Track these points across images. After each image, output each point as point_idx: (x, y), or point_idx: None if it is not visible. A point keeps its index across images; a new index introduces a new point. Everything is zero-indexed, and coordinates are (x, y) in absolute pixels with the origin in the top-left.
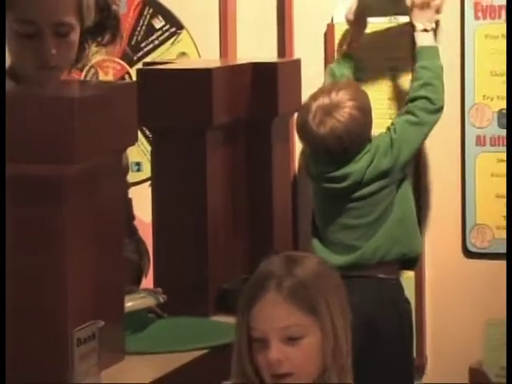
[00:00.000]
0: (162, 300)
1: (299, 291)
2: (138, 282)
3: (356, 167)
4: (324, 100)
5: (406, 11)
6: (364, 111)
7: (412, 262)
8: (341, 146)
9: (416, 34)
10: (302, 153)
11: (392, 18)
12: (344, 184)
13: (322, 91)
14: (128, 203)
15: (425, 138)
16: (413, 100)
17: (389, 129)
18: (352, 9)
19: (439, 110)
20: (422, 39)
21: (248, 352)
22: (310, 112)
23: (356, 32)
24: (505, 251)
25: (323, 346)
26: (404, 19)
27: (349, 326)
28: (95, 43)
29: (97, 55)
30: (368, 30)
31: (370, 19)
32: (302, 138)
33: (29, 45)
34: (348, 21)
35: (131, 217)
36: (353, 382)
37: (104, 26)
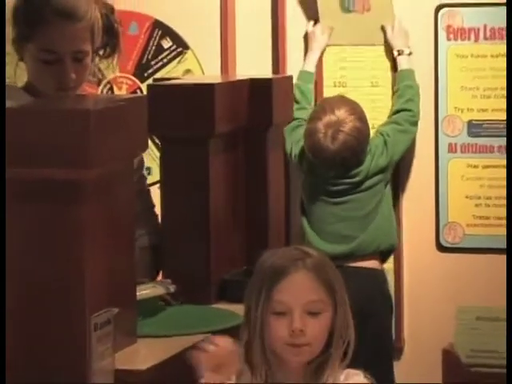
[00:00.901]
0: (171, 290)
1: (321, 270)
2: (158, 266)
3: (363, 167)
4: (329, 118)
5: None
6: (364, 121)
7: (390, 253)
8: (354, 154)
9: (399, 58)
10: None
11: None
12: (354, 180)
13: (323, 111)
14: (147, 193)
15: (410, 143)
16: (398, 112)
17: (381, 133)
18: (315, 29)
19: (417, 122)
20: (404, 63)
21: (260, 331)
22: (320, 132)
23: (314, 51)
24: (474, 246)
25: (336, 322)
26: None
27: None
28: (98, 57)
29: (110, 72)
30: (353, 54)
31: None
32: (317, 155)
33: (50, 70)
34: (309, 37)
35: (151, 205)
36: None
37: (107, 43)
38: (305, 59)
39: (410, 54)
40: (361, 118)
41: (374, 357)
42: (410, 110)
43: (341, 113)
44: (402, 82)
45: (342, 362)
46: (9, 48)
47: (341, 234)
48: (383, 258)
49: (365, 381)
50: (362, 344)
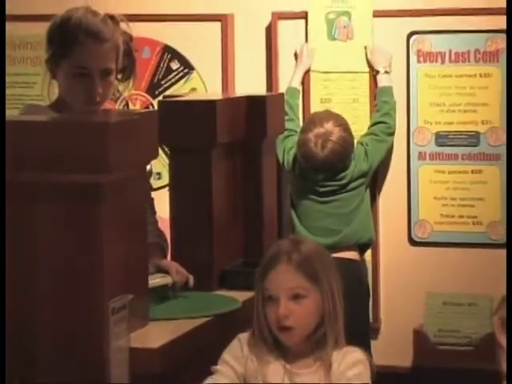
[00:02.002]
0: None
1: (304, 263)
2: (163, 258)
3: (348, 171)
4: (319, 130)
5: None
6: (349, 131)
7: (368, 246)
8: (341, 160)
9: (379, 76)
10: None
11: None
12: (340, 182)
13: (313, 124)
14: (151, 201)
15: (387, 151)
16: (376, 124)
17: (361, 143)
18: (302, 51)
19: (393, 132)
20: (383, 81)
21: (262, 309)
22: (311, 142)
23: (300, 70)
24: (441, 241)
25: (323, 307)
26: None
27: (341, 295)
28: (116, 80)
29: (126, 91)
30: (334, 74)
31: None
32: (308, 162)
33: (81, 84)
34: (296, 58)
35: (154, 211)
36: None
37: (125, 67)
38: (292, 76)
39: (387, 72)
40: (346, 128)
41: (353, 336)
42: (386, 123)
43: (328, 125)
44: (380, 98)
45: (341, 339)
46: (38, 69)
47: (327, 228)
48: (362, 250)
49: (362, 356)
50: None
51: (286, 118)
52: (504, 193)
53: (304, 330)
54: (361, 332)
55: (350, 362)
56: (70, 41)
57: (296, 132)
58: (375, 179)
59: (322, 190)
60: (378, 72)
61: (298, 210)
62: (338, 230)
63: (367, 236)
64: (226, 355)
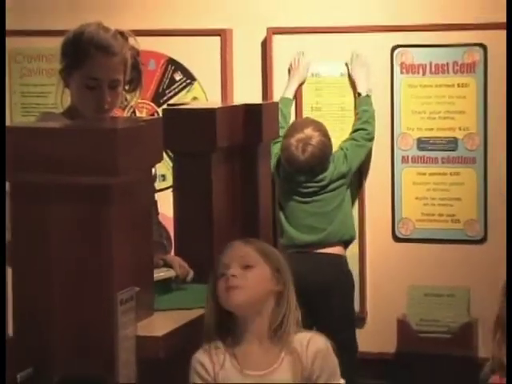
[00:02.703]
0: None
1: (254, 242)
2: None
3: (327, 173)
4: (299, 136)
5: None
6: (327, 136)
7: (350, 242)
8: (320, 162)
9: (358, 87)
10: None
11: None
12: (320, 184)
13: (295, 130)
14: (155, 203)
15: (366, 155)
16: (356, 131)
17: (341, 148)
18: (298, 63)
19: (372, 138)
20: (363, 91)
21: (214, 296)
22: (293, 146)
23: (295, 82)
24: (422, 237)
25: (284, 296)
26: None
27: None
28: (124, 90)
29: (133, 100)
30: (326, 84)
31: (323, 73)
32: (291, 164)
33: (91, 94)
34: (293, 69)
35: (157, 212)
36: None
37: (132, 79)
38: (286, 87)
39: (368, 95)
40: (324, 134)
41: (339, 325)
42: (366, 130)
43: (308, 130)
44: (360, 107)
45: (299, 325)
46: (53, 80)
47: (312, 226)
48: (345, 246)
49: (327, 344)
50: (331, 315)
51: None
52: (480, 193)
53: (251, 296)
54: (345, 321)
55: (313, 349)
56: (83, 54)
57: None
58: (362, 181)
59: (304, 190)
60: (359, 94)
61: (284, 210)
62: (322, 228)
63: (349, 233)
64: (197, 380)
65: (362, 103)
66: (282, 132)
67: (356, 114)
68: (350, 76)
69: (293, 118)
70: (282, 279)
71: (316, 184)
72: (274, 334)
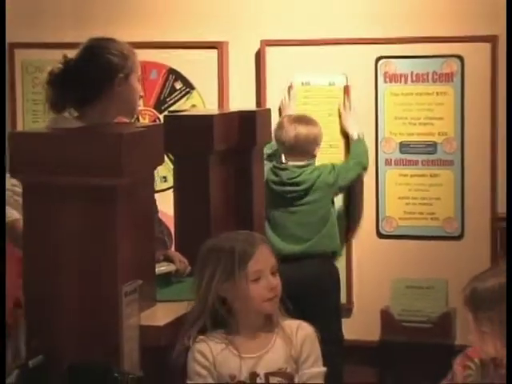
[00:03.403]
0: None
1: (266, 240)
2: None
3: (308, 177)
4: (291, 118)
5: None
6: (317, 125)
7: (333, 257)
8: (307, 142)
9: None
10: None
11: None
12: (303, 187)
13: (288, 117)
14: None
15: (354, 178)
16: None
17: (332, 164)
18: (286, 100)
19: (365, 168)
20: (354, 134)
21: (242, 295)
22: (284, 124)
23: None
24: (405, 234)
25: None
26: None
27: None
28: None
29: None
30: (314, 92)
31: (313, 83)
32: (281, 141)
33: None
34: (283, 106)
35: (156, 210)
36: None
37: None
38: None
39: (359, 137)
40: (315, 123)
41: (328, 316)
42: (359, 161)
43: (300, 117)
44: (354, 151)
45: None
46: None
47: (297, 236)
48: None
49: (314, 330)
50: (321, 309)
51: (268, 146)
52: (457, 193)
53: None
54: (332, 313)
55: (303, 333)
56: None
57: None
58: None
59: (288, 195)
60: (352, 138)
61: (270, 221)
62: (306, 239)
63: (332, 246)
64: (197, 368)
65: (355, 147)
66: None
67: (350, 156)
68: (340, 117)
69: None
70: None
71: (298, 188)
72: (266, 322)
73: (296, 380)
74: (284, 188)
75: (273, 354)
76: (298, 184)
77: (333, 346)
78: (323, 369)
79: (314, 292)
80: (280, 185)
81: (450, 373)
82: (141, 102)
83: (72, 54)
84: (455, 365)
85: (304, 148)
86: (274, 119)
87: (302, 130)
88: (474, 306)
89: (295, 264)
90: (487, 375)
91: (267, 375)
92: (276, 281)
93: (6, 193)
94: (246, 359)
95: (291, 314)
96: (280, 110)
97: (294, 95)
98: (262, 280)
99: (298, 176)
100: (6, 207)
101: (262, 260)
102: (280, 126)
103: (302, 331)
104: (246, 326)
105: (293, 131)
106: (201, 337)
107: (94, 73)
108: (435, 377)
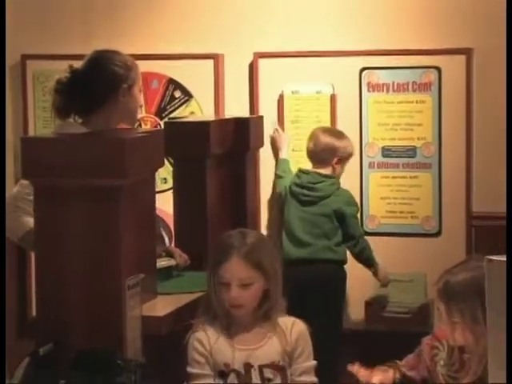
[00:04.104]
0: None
1: (251, 255)
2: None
3: (327, 188)
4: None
5: None
6: (343, 141)
7: (341, 264)
8: (329, 152)
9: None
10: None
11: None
12: (316, 193)
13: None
14: None
15: (349, 222)
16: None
17: (356, 205)
18: (276, 134)
19: (362, 236)
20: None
21: (215, 293)
22: (320, 133)
23: (284, 146)
24: (387, 231)
25: (270, 285)
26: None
27: (281, 275)
28: None
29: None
30: (302, 100)
31: (302, 91)
32: (315, 145)
33: None
34: (276, 140)
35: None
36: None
37: None
38: (280, 153)
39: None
40: (338, 135)
41: (330, 316)
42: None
43: (340, 134)
44: (361, 237)
45: (284, 311)
46: None
47: (304, 241)
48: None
49: (306, 328)
50: (327, 305)
51: (281, 173)
52: (435, 193)
53: (250, 307)
54: (336, 310)
55: (297, 330)
56: None
57: (282, 176)
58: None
59: (303, 198)
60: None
61: (288, 224)
62: (313, 243)
63: (336, 257)
64: (195, 355)
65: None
66: (280, 182)
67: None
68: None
69: (277, 127)
70: (271, 278)
71: (313, 193)
72: (261, 319)
73: (288, 373)
74: (302, 190)
75: (268, 347)
76: (314, 190)
77: (331, 343)
78: (314, 362)
79: (319, 293)
80: (299, 187)
81: (417, 349)
82: (141, 110)
83: (78, 64)
84: (423, 343)
85: (320, 156)
86: (266, 127)
87: (324, 139)
88: (447, 298)
89: (303, 267)
90: (452, 357)
91: (261, 367)
92: (237, 293)
93: (22, 201)
94: (240, 350)
95: (290, 312)
96: (271, 142)
97: (282, 135)
98: (228, 287)
99: (317, 183)
100: (25, 217)
101: (230, 269)
102: (310, 135)
103: (296, 327)
104: (239, 322)
105: (315, 140)
106: (200, 326)
107: (99, 83)
108: None
